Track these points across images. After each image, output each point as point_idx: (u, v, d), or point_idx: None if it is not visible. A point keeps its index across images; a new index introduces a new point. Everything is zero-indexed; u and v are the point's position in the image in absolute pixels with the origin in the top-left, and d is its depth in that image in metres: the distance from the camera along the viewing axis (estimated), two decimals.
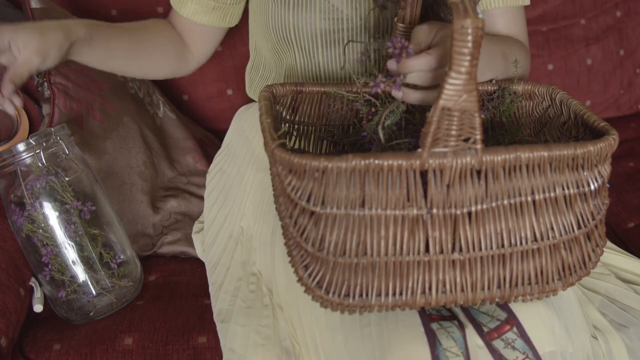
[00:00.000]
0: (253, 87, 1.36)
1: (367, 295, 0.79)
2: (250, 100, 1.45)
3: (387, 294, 0.79)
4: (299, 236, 0.78)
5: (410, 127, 0.92)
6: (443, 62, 0.86)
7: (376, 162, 0.72)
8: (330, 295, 0.79)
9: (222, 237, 1.17)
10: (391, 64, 0.87)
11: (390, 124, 0.89)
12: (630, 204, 1.44)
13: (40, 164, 1.11)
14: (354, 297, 0.79)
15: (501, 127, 1.02)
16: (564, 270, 0.82)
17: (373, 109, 0.96)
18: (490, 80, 1.03)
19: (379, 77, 0.89)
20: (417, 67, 0.86)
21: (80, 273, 1.14)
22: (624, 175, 1.53)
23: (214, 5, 1.26)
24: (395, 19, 1.02)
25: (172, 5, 1.31)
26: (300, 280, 0.81)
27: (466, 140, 0.73)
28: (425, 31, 0.90)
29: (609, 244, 1.15)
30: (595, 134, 0.85)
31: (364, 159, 0.72)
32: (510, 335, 0.81)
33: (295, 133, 1.03)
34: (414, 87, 0.88)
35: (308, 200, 0.75)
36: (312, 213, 0.76)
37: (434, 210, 0.75)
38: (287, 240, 0.85)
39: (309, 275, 0.80)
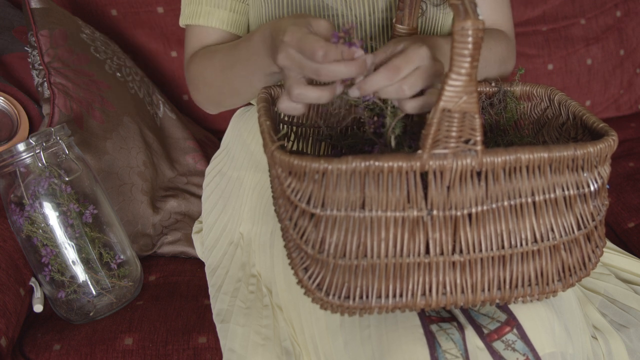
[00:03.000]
0: None
1: (367, 297, 0.79)
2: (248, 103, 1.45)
3: (387, 296, 0.79)
4: (299, 238, 0.78)
5: (410, 130, 0.92)
6: (402, 72, 0.81)
7: (376, 163, 0.72)
8: (331, 297, 0.79)
9: (222, 243, 1.17)
10: (353, 92, 0.81)
11: (399, 132, 0.87)
12: (630, 204, 1.44)
13: (40, 164, 1.11)
14: (354, 299, 0.79)
15: (499, 127, 1.02)
16: (564, 271, 0.82)
17: (375, 117, 0.94)
18: (490, 83, 1.03)
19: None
20: (377, 85, 0.80)
21: (80, 273, 1.14)
22: (624, 175, 1.52)
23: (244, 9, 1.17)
24: (394, 21, 1.02)
25: (202, 23, 1.15)
26: (300, 282, 0.81)
27: (466, 141, 0.72)
28: (389, 47, 0.85)
29: (608, 244, 1.15)
30: (595, 135, 0.85)
31: (364, 160, 0.72)
32: (511, 336, 0.82)
33: (293, 135, 1.03)
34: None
35: (308, 202, 0.75)
36: (312, 215, 0.76)
37: (434, 212, 0.75)
38: (286, 242, 0.85)
39: (309, 278, 0.80)
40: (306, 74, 0.80)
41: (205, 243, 1.21)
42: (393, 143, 0.87)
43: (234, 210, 1.18)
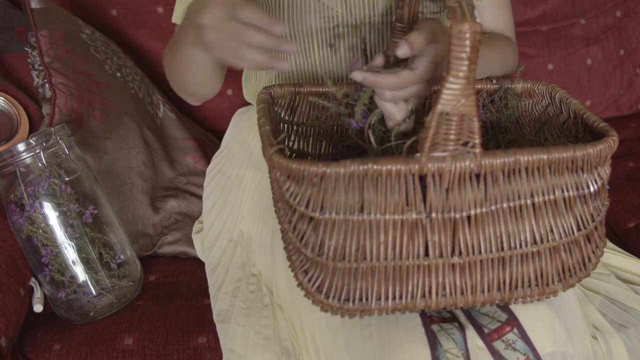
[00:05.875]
0: (249, 89, 1.34)
1: (367, 299, 0.79)
2: (248, 103, 1.45)
3: (387, 298, 0.79)
4: (298, 241, 0.78)
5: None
6: (404, 88, 0.84)
7: (375, 167, 0.72)
8: (330, 299, 0.79)
9: (222, 240, 1.17)
10: (356, 76, 0.83)
11: (376, 120, 0.88)
12: (630, 204, 1.43)
13: (40, 164, 1.11)
14: (353, 301, 0.79)
15: (500, 125, 1.02)
16: (563, 272, 0.82)
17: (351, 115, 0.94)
18: (491, 80, 1.03)
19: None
20: (378, 85, 0.83)
21: (80, 273, 1.15)
22: (624, 175, 1.52)
23: None
24: (394, 19, 1.01)
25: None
26: (300, 284, 0.81)
27: (465, 144, 0.72)
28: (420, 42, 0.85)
29: (609, 244, 1.15)
30: (595, 135, 0.85)
31: (362, 164, 0.72)
32: (511, 336, 0.82)
33: (293, 134, 1.03)
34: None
35: (307, 206, 0.75)
36: (311, 218, 0.76)
37: (433, 215, 0.75)
38: (286, 245, 0.85)
39: (309, 280, 0.80)
40: (225, 33, 0.81)
41: (205, 241, 1.21)
42: (372, 139, 0.87)
43: (234, 208, 1.18)
